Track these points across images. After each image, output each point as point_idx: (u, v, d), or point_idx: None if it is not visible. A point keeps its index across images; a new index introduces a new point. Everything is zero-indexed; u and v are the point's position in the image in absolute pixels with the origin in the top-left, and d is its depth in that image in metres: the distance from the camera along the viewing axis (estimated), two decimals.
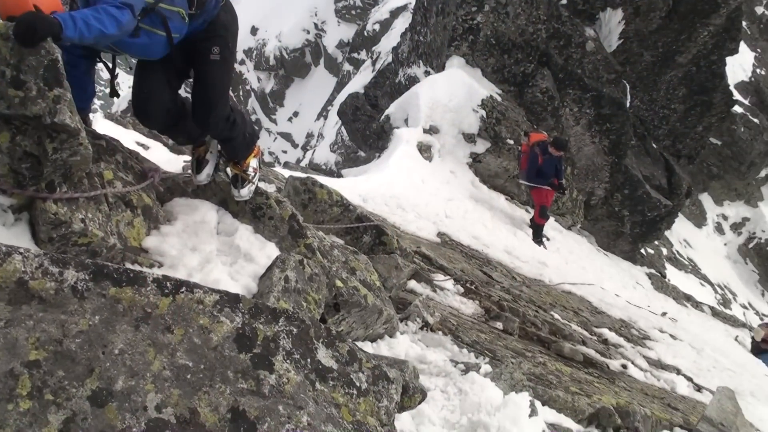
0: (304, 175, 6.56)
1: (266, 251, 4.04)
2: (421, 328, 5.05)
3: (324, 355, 2.18)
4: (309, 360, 2.13)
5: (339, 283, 4.16)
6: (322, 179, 7.29)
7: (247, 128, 4.18)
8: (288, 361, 2.08)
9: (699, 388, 8.13)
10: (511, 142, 15.33)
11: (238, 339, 2.06)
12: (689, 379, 8.33)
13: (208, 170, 4.14)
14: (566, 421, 4.41)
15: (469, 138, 15.16)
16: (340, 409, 2.06)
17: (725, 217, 41.27)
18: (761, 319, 23.83)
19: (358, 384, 2.18)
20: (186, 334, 2.00)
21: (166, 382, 1.86)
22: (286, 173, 9.92)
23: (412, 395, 2.62)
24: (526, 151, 13.51)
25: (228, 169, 4.26)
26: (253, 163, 4.26)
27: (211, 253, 3.73)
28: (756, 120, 37.63)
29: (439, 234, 10.11)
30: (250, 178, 4.15)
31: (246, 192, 4.10)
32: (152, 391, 1.82)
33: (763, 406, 8.67)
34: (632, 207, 18.28)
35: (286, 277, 3.56)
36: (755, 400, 8.88)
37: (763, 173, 41.09)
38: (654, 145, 19.36)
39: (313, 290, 3.71)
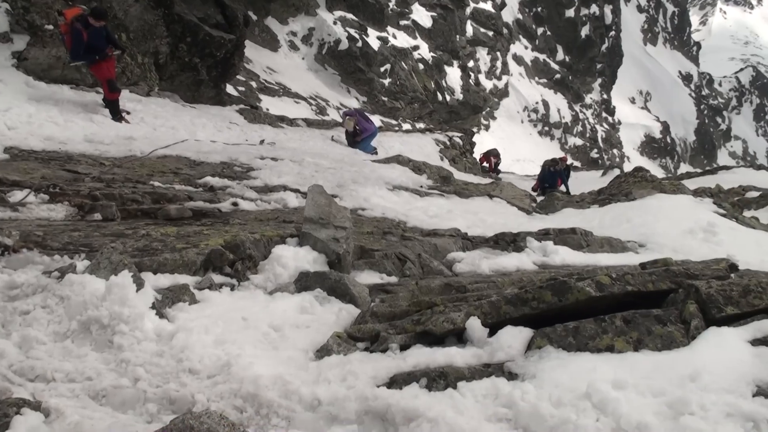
0: None
1: None
2: (2, 254, 4.59)
3: None
4: None
5: None
6: None
7: None
8: None
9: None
10: (51, 27, 14.07)
11: None
12: (296, 191, 8.87)
13: None
14: (181, 278, 4.43)
15: (3, 37, 13.59)
16: None
17: (294, 33, 43.17)
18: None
19: None
20: None
21: None
22: None
23: None
24: (67, 30, 12.53)
25: None
26: None
27: None
28: None
29: (6, 150, 9.15)
30: None
31: None
32: None
33: (363, 187, 9.63)
34: (200, 52, 18.18)
35: None
36: (357, 185, 9.81)
37: None
38: None
39: None
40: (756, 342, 3.23)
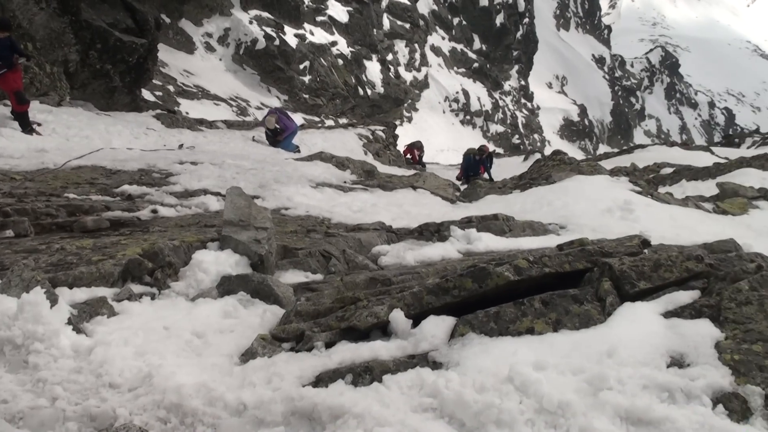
0: None
1: None
2: None
3: None
4: None
5: None
6: None
7: None
8: None
9: None
10: None
11: None
12: (217, 194, 8.74)
13: None
14: (99, 291, 4.31)
15: None
16: None
17: (209, 35, 42.59)
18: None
19: None
20: None
21: None
22: None
23: None
24: None
25: None
26: None
27: None
28: None
29: None
30: None
31: None
32: None
33: (286, 186, 9.57)
34: (112, 58, 17.74)
35: None
36: (279, 184, 9.76)
37: None
38: None
39: None
40: (668, 314, 3.34)
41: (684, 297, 3.45)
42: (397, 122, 47.44)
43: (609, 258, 3.87)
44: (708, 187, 14.46)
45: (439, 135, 61.43)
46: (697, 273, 3.67)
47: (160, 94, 30.06)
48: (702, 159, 21.20)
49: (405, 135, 42.71)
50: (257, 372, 3.33)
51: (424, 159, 30.02)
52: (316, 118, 42.56)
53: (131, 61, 18.33)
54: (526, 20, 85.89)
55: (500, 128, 76.35)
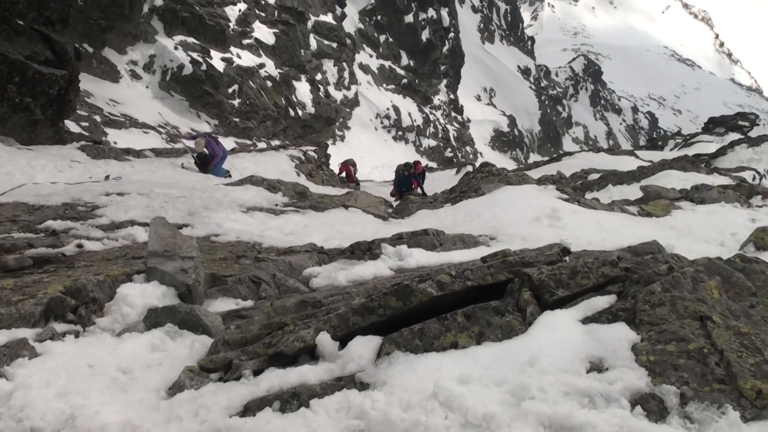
0: None
1: None
2: None
3: None
4: None
5: None
6: None
7: None
8: None
9: None
10: None
11: None
12: (145, 224, 8.58)
13: None
14: (20, 332, 4.20)
15: None
16: None
17: (134, 62, 41.93)
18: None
19: None
20: None
21: None
22: None
23: None
24: None
25: None
26: None
27: None
28: None
29: None
30: None
31: None
32: None
33: (215, 213, 9.48)
34: (31, 91, 17.29)
35: None
36: (209, 211, 9.65)
37: (146, 8, 41.96)
38: (21, 22, 18.16)
39: None
40: (586, 320, 3.43)
41: (601, 302, 3.55)
42: (330, 141, 47.49)
43: (529, 268, 3.95)
44: (633, 191, 14.88)
45: (373, 152, 61.65)
46: (613, 278, 3.78)
47: (86, 124, 29.40)
48: (627, 163, 21.82)
49: (338, 154, 42.78)
50: (184, 405, 3.29)
51: (359, 176, 30.08)
52: (248, 142, 42.26)
53: (52, 93, 17.88)
54: (452, 35, 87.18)
55: (432, 142, 77.08)
